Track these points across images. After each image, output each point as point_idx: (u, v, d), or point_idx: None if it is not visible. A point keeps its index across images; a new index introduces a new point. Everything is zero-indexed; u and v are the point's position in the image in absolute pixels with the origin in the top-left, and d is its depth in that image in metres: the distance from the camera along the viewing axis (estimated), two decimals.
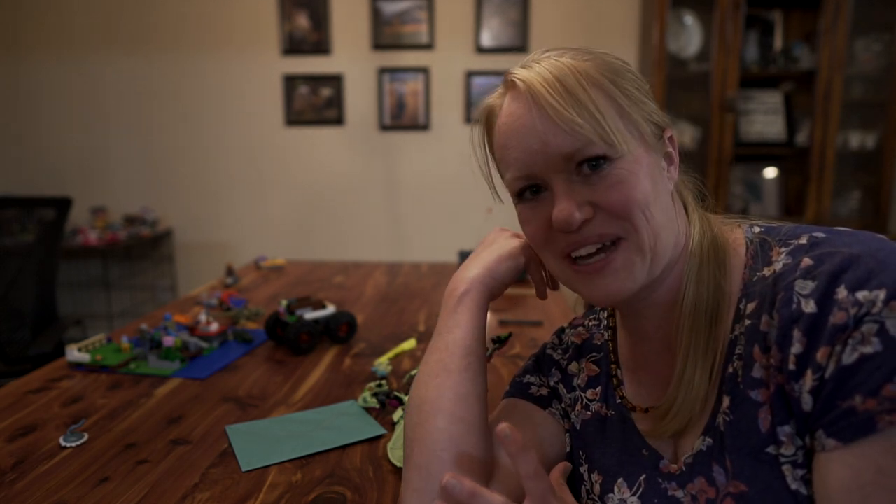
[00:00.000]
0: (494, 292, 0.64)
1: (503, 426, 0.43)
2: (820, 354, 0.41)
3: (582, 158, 0.49)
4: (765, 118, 2.95)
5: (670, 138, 0.54)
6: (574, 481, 0.63)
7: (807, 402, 0.42)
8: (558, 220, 0.49)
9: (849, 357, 0.39)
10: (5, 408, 0.90)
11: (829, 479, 0.40)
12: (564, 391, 0.67)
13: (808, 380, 0.41)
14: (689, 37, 3.00)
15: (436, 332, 0.62)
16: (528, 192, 0.53)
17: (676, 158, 0.55)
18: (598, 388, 0.63)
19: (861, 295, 0.40)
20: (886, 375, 0.38)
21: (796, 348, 0.42)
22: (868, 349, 0.38)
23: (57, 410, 0.90)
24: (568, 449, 0.64)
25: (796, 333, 0.42)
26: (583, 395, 0.64)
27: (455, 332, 0.60)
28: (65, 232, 2.10)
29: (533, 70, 0.51)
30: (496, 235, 0.68)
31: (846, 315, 0.40)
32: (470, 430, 0.56)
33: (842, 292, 0.41)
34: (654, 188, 0.50)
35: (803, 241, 0.47)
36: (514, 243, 0.65)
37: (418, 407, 0.58)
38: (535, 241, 0.54)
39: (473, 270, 0.63)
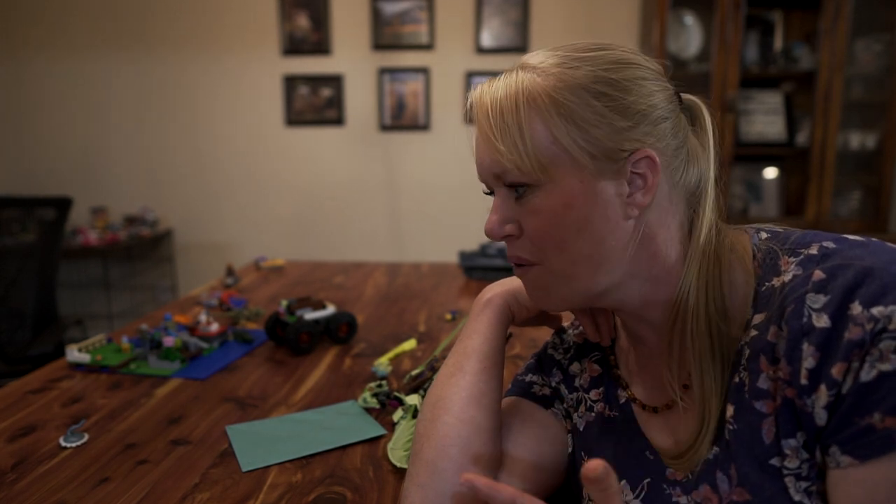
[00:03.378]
0: (515, 313, 0.65)
1: (466, 478, 0.43)
2: (836, 370, 0.40)
3: (506, 181, 0.52)
4: (765, 118, 2.95)
5: (647, 159, 0.49)
6: (576, 483, 0.63)
7: (820, 417, 0.41)
8: (485, 231, 0.54)
9: (867, 374, 0.39)
10: (5, 408, 0.90)
11: (843, 495, 0.40)
12: (566, 391, 0.66)
13: (823, 395, 0.41)
14: (689, 37, 3.00)
15: (458, 338, 0.65)
16: (492, 193, 0.57)
17: (652, 181, 0.49)
18: (601, 389, 0.63)
19: (877, 310, 0.39)
20: None
21: (809, 363, 0.41)
22: (887, 367, 0.38)
23: (57, 410, 0.90)
24: (570, 450, 0.64)
25: (807, 348, 0.42)
26: (586, 395, 0.64)
27: (474, 338, 0.63)
28: (65, 232, 2.10)
29: (487, 88, 0.53)
30: None
31: (862, 330, 0.39)
32: (480, 431, 0.58)
33: (856, 307, 0.40)
34: (582, 220, 0.49)
35: (813, 251, 0.46)
36: None
37: (432, 405, 0.60)
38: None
39: (500, 287, 0.67)
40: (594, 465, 0.37)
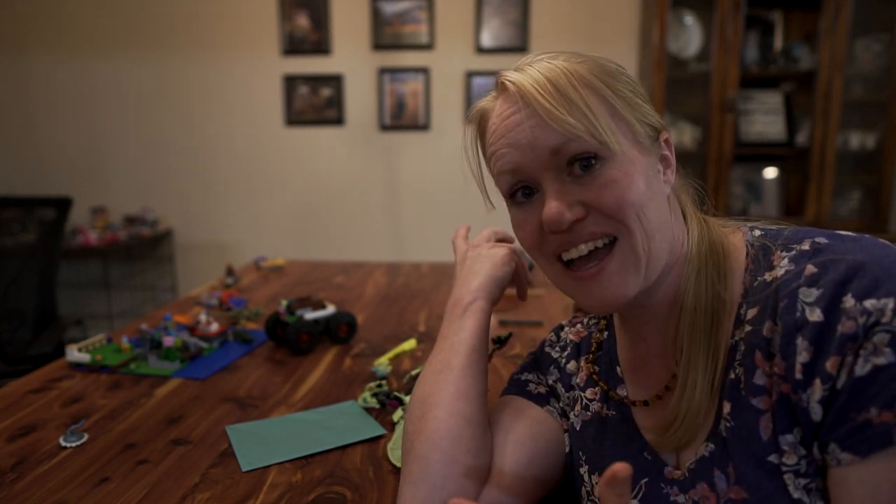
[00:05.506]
0: (496, 298, 0.68)
1: (454, 503, 0.39)
2: (829, 364, 0.40)
3: (571, 154, 0.49)
4: (765, 118, 2.95)
5: (666, 141, 0.54)
6: (573, 482, 0.63)
7: (816, 412, 0.41)
8: (548, 220, 0.49)
9: (862, 368, 0.38)
10: (5, 408, 0.90)
11: (846, 495, 0.40)
12: (562, 390, 0.67)
13: (818, 389, 0.41)
14: (689, 37, 3.00)
15: (440, 337, 0.65)
16: (520, 194, 0.53)
17: (673, 161, 0.55)
18: (597, 388, 0.63)
19: (869, 303, 0.39)
20: None
21: (803, 357, 0.41)
22: (881, 360, 0.38)
23: (57, 410, 0.90)
24: (567, 449, 0.64)
25: (801, 342, 0.42)
26: (582, 394, 0.64)
27: (461, 334, 0.63)
28: (65, 232, 2.10)
29: (525, 73, 0.51)
30: (476, 250, 0.72)
31: (855, 324, 0.39)
32: (469, 424, 0.58)
33: (849, 301, 0.40)
34: (648, 190, 0.50)
35: (805, 246, 0.46)
36: (503, 250, 0.70)
37: (421, 401, 0.61)
38: (528, 245, 0.54)
39: (475, 281, 0.67)
40: (624, 467, 0.35)
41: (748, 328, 0.47)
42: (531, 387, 0.68)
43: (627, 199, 0.48)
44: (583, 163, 0.49)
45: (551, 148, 0.49)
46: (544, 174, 0.50)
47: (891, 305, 0.39)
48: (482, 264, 0.68)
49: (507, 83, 0.52)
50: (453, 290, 0.69)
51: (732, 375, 0.48)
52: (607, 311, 0.55)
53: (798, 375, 0.42)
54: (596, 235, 0.50)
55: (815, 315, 0.41)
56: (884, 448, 0.38)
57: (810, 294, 0.42)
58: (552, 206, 0.49)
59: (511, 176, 0.52)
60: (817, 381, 0.41)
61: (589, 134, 0.47)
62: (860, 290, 0.40)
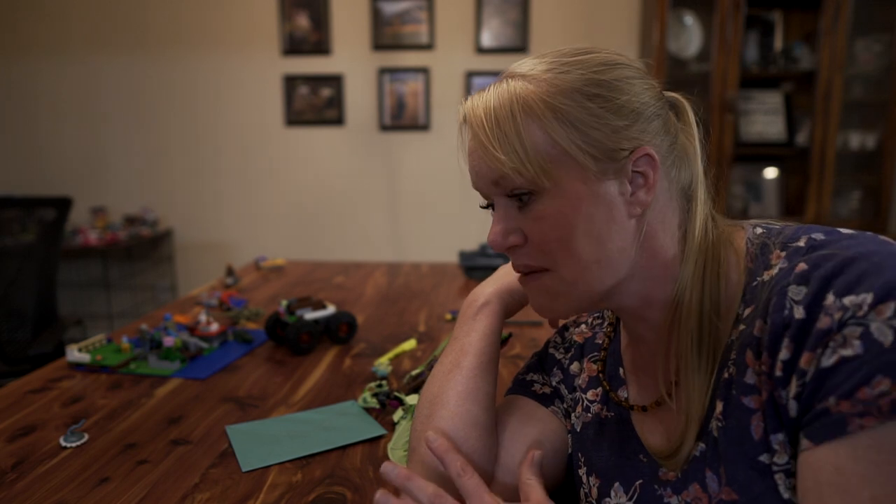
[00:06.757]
0: (510, 308, 0.68)
1: (429, 433, 0.43)
2: (804, 360, 0.40)
3: (507, 189, 0.51)
4: (765, 118, 2.95)
5: (646, 156, 0.49)
6: (573, 483, 0.63)
7: (793, 409, 0.41)
8: (489, 242, 0.54)
9: (828, 359, 0.38)
10: (5, 408, 0.90)
11: (800, 482, 0.40)
12: (566, 392, 0.67)
13: (794, 386, 0.41)
14: (689, 37, 3.00)
15: (452, 338, 0.66)
16: (491, 206, 0.56)
17: (654, 177, 0.50)
18: (599, 389, 0.63)
19: (848, 300, 0.39)
20: (863, 378, 0.37)
21: (783, 354, 0.41)
22: (848, 352, 0.38)
23: (57, 410, 0.90)
24: (570, 450, 0.64)
25: (785, 340, 0.41)
26: (584, 396, 0.64)
27: (471, 335, 0.64)
28: (65, 232, 2.10)
29: (479, 98, 0.53)
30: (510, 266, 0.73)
31: (831, 320, 0.39)
32: (475, 425, 0.59)
33: (830, 297, 0.40)
34: (586, 222, 0.49)
35: (801, 244, 0.46)
36: None
37: (429, 401, 0.61)
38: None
39: (492, 286, 0.68)
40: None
41: (742, 327, 0.47)
42: (536, 387, 0.68)
43: (555, 236, 0.50)
44: (517, 196, 0.51)
45: (491, 180, 0.52)
46: (495, 198, 0.54)
47: (868, 300, 0.38)
48: (507, 275, 0.69)
49: (461, 110, 0.54)
50: (473, 289, 0.70)
51: (726, 374, 0.48)
52: (545, 318, 0.59)
53: (778, 373, 0.42)
54: (529, 268, 0.54)
55: (800, 313, 0.41)
56: (836, 437, 0.38)
57: (799, 292, 0.42)
58: (493, 231, 0.53)
59: (480, 194, 0.56)
60: (794, 378, 0.41)
61: (517, 171, 0.49)
62: (842, 287, 0.40)
